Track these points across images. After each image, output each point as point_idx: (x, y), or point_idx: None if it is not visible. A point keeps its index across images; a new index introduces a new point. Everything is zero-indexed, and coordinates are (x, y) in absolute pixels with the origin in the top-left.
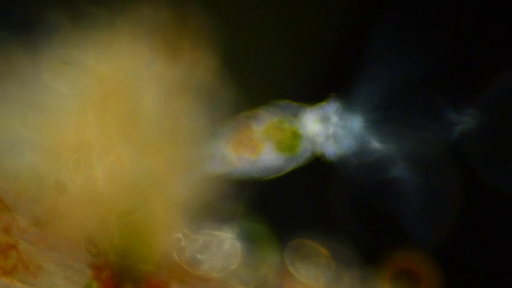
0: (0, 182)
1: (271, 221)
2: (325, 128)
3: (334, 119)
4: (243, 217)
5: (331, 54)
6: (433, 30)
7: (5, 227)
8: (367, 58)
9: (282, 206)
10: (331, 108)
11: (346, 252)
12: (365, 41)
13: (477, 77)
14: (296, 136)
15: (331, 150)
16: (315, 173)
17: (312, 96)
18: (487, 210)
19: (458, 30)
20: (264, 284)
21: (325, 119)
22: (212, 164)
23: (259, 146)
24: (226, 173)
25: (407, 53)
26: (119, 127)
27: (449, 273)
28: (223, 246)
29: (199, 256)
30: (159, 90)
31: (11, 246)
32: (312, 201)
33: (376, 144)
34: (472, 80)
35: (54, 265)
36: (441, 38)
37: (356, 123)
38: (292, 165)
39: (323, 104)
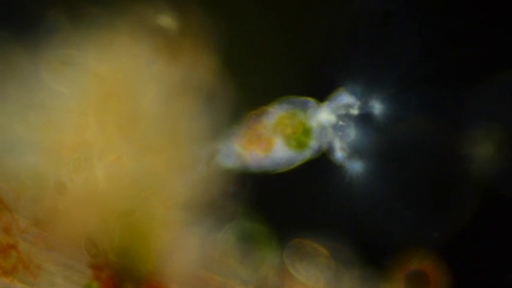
0: (0, 182)
1: (271, 221)
2: (334, 122)
3: (343, 113)
4: (243, 217)
5: (336, 48)
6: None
7: (5, 227)
8: (373, 52)
9: (282, 206)
10: (340, 103)
11: (346, 252)
12: (371, 35)
13: (478, 76)
14: (306, 131)
15: (340, 144)
16: (317, 171)
17: (320, 91)
18: (494, 212)
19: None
20: (264, 284)
21: (334, 114)
22: (222, 160)
23: (270, 142)
24: (237, 168)
25: (411, 49)
26: (119, 127)
27: (455, 274)
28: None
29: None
30: (159, 90)
31: (11, 246)
32: (313, 200)
33: (383, 138)
34: (473, 79)
35: (54, 265)
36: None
37: (365, 116)
38: (302, 160)
39: (332, 98)
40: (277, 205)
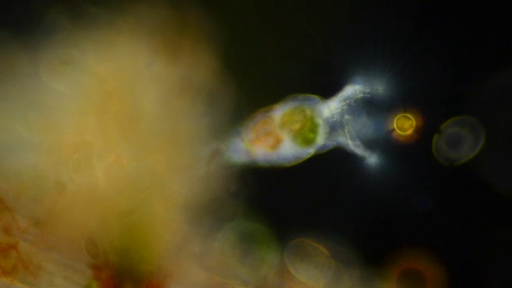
0: (0, 182)
1: (271, 221)
2: (343, 118)
3: (351, 106)
4: (243, 217)
5: (340, 46)
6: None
7: (5, 227)
8: (379, 51)
9: (282, 206)
10: (346, 96)
11: (346, 252)
12: (377, 34)
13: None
14: (312, 127)
15: (352, 139)
16: (318, 170)
17: (327, 88)
18: (490, 210)
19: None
20: (264, 284)
21: (341, 109)
22: (227, 157)
23: (276, 138)
24: (243, 164)
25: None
26: (119, 127)
27: (452, 274)
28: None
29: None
30: (159, 90)
31: (11, 246)
32: (313, 200)
33: (389, 136)
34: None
35: (54, 265)
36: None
37: (372, 114)
38: (309, 156)
39: (339, 95)
40: (278, 205)
